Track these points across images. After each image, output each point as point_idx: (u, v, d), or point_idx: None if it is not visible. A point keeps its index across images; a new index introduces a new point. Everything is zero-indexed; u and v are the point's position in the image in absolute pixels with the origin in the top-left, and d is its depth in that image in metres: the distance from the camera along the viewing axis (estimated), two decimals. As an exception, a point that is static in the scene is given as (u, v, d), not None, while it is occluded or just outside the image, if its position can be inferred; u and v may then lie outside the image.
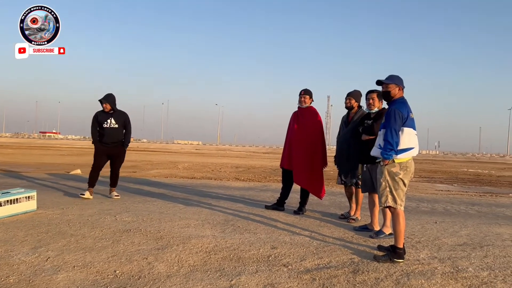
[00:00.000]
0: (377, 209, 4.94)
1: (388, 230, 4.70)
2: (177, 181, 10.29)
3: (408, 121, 3.83)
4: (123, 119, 6.96)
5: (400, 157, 3.82)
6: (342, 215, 5.85)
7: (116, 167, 7.04)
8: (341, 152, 5.68)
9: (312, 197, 6.33)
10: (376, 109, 4.98)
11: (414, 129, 3.91)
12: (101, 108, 6.87)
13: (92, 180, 6.85)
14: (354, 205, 5.76)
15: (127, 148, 7.08)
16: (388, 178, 3.85)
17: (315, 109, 6.23)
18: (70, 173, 11.70)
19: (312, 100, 6.18)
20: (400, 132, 3.80)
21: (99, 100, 6.82)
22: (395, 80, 3.99)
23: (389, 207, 3.88)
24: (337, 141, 5.86)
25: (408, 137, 3.82)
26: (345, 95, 5.72)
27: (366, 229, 4.97)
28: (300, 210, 6.02)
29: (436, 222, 5.64)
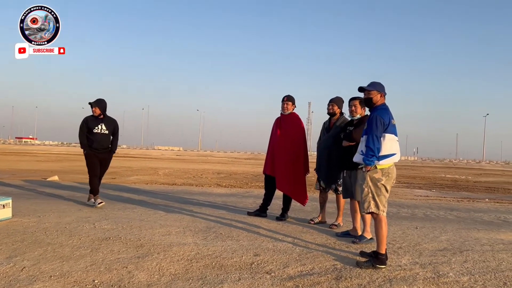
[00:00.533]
0: (358, 215, 4.95)
1: (369, 234, 4.73)
2: (157, 188, 10.16)
3: (389, 128, 3.87)
4: (113, 126, 6.92)
5: (382, 163, 3.85)
6: (311, 219, 5.88)
7: (101, 173, 6.93)
8: (321, 158, 5.70)
9: (294, 203, 6.33)
10: (358, 116, 5.02)
11: (396, 135, 3.94)
12: (91, 113, 6.79)
13: (96, 186, 6.75)
14: (324, 211, 5.86)
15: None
16: (370, 184, 3.87)
17: (297, 115, 6.25)
18: (47, 179, 11.41)
19: (295, 107, 6.20)
20: (381, 139, 3.83)
21: (89, 103, 6.75)
22: (377, 86, 4.02)
23: (372, 213, 3.89)
24: (318, 147, 5.88)
25: (389, 143, 3.86)
26: (327, 102, 5.76)
27: (348, 235, 4.98)
28: (282, 216, 6.00)
29: (417, 228, 5.70)
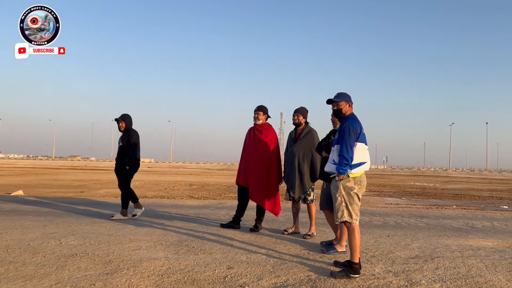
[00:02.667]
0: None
1: (341, 248, 4.71)
2: (128, 201, 9.88)
3: (360, 137, 3.92)
4: (127, 138, 6.92)
5: (354, 172, 3.88)
6: (284, 230, 5.84)
7: (120, 186, 7.02)
8: (289, 168, 5.69)
9: (267, 214, 6.28)
10: None
11: (366, 144, 4.00)
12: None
13: (134, 197, 7.08)
14: (298, 221, 5.85)
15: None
16: (343, 193, 3.88)
17: (270, 125, 6.24)
18: (11, 194, 10.94)
19: (267, 116, 6.19)
20: (353, 148, 3.86)
21: (115, 119, 6.97)
22: (344, 97, 4.09)
23: (345, 222, 3.89)
24: (285, 157, 5.86)
25: (361, 152, 3.91)
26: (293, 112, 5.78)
27: (332, 245, 4.84)
28: (256, 227, 5.94)
29: (389, 236, 5.76)
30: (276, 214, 6.06)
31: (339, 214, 3.89)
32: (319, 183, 5.33)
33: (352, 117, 4.03)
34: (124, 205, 6.95)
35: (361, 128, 3.96)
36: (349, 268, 3.75)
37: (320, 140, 5.20)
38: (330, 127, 5.11)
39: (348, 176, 3.88)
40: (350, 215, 3.86)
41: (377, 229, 6.35)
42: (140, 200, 10.13)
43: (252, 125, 6.22)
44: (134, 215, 6.93)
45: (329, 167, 4.07)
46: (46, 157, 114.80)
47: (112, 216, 6.81)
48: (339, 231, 4.99)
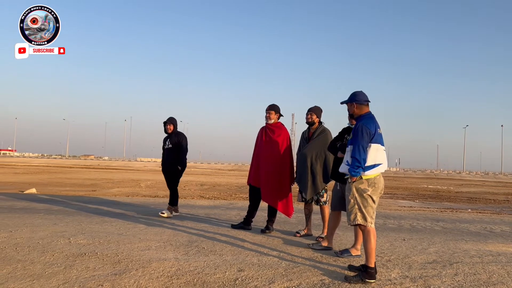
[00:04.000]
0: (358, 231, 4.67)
1: (355, 252, 4.56)
2: (138, 200, 9.88)
3: (376, 137, 3.76)
4: (176, 139, 7.14)
5: (368, 174, 3.73)
6: (297, 232, 5.72)
7: (170, 187, 7.21)
8: (302, 169, 5.55)
9: (279, 215, 6.16)
10: None
11: (382, 144, 3.83)
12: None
13: (170, 198, 7.24)
14: (310, 223, 5.71)
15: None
16: (356, 195, 3.75)
17: (282, 124, 6.12)
18: (24, 192, 11.01)
19: (280, 115, 6.07)
20: (367, 148, 3.72)
21: (164, 122, 7.23)
22: (356, 97, 3.94)
23: (359, 225, 3.76)
24: (298, 158, 5.72)
25: (375, 153, 3.74)
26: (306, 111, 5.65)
27: (347, 252, 4.63)
28: (267, 228, 5.83)
29: (404, 239, 5.59)
30: (288, 215, 5.94)
31: (352, 216, 3.76)
32: (332, 184, 5.19)
33: (368, 116, 3.86)
34: (175, 202, 7.18)
35: (376, 128, 3.78)
36: (364, 272, 3.62)
37: (333, 138, 5.05)
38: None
39: (361, 178, 3.74)
40: (364, 217, 3.73)
41: (392, 232, 6.19)
42: (152, 200, 10.14)
43: (264, 125, 6.11)
44: (162, 213, 7.00)
45: (343, 168, 3.94)
46: (60, 156, 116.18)
47: (163, 213, 7.00)
48: (332, 234, 4.84)
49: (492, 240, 5.88)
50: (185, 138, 7.24)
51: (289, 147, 6.04)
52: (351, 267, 4.00)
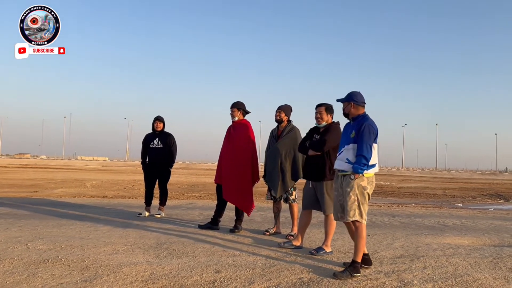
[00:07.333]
0: (330, 228, 4.69)
1: (328, 248, 4.63)
2: (89, 201, 9.39)
3: (376, 138, 3.93)
4: (167, 140, 7.16)
5: (369, 172, 3.87)
6: (266, 231, 5.71)
7: (159, 186, 7.24)
8: (271, 167, 5.53)
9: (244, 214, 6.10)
10: (324, 123, 4.77)
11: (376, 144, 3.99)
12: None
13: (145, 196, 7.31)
14: (279, 221, 5.75)
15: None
16: (357, 192, 3.85)
17: (246, 121, 6.05)
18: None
19: (245, 112, 5.99)
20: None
21: (154, 119, 7.20)
22: (356, 97, 4.03)
23: (356, 221, 3.86)
24: (267, 155, 5.70)
25: (375, 153, 3.91)
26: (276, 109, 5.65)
27: (322, 249, 4.64)
28: (236, 228, 5.75)
29: (369, 235, 5.73)
30: (247, 212, 5.86)
31: (351, 213, 3.84)
32: (301, 182, 5.21)
33: (370, 118, 4.00)
34: (165, 202, 7.23)
35: (377, 129, 3.94)
36: (353, 267, 3.73)
37: (303, 138, 5.07)
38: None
39: (363, 175, 3.85)
40: (360, 214, 3.85)
41: (355, 229, 6.33)
42: (101, 200, 9.68)
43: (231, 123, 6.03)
44: (158, 215, 6.95)
45: (342, 166, 3.96)
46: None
47: (159, 214, 7.00)
48: (302, 233, 4.88)
49: (448, 233, 6.21)
50: (175, 139, 7.31)
51: (252, 144, 5.97)
52: (346, 264, 4.01)
